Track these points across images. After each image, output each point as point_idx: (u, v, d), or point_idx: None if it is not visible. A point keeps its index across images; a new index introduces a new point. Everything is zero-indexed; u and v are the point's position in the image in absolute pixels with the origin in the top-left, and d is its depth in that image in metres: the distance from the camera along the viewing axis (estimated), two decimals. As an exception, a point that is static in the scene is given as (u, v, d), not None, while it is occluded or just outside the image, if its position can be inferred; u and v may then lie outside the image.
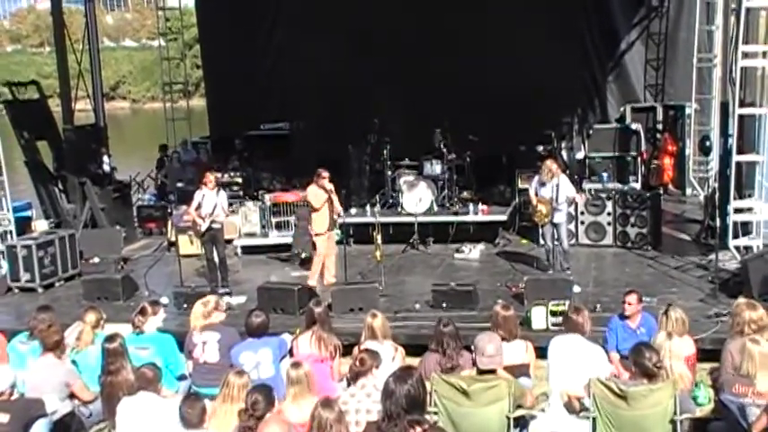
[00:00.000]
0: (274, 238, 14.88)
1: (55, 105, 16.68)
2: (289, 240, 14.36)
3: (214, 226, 12.15)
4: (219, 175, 16.10)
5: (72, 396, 7.62)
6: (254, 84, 19.40)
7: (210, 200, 12.10)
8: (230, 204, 14.04)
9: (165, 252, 15.15)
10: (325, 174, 12.06)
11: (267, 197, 15.25)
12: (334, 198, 12.17)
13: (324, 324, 7.85)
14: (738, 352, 6.85)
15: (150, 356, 7.74)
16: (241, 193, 16.95)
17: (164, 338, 8.27)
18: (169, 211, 16.36)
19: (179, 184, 17.91)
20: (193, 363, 8.11)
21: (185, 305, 11.13)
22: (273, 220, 15.00)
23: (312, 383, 6.48)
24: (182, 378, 8.20)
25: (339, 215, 12.48)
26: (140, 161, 23.38)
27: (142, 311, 8.30)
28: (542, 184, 12.18)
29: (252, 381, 6.61)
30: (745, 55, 11.95)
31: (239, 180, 17.31)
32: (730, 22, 12.76)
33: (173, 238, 14.74)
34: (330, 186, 12.06)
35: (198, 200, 12.15)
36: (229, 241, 14.20)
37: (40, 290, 12.98)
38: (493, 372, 6.67)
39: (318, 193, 12.07)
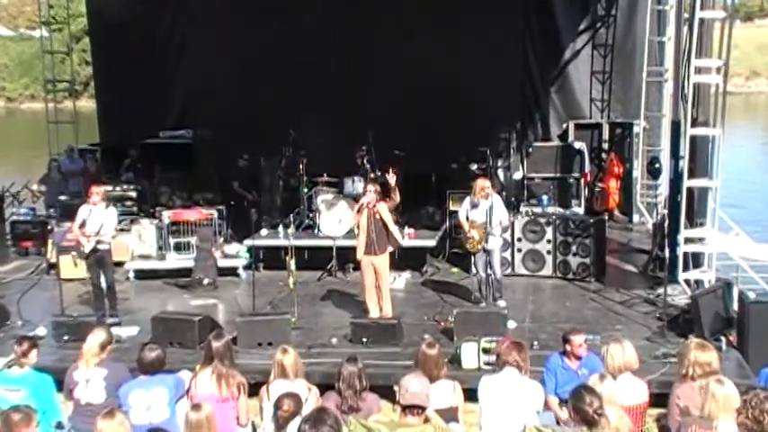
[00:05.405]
0: (172, 261, 14.74)
1: None
2: (189, 264, 14.27)
3: (101, 247, 11.95)
4: (109, 188, 15.88)
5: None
6: (152, 85, 19.20)
7: (97, 217, 11.92)
8: (121, 222, 13.86)
9: (43, 275, 14.84)
10: (370, 187, 11.75)
11: (165, 214, 15.09)
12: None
13: (223, 359, 7.73)
14: (689, 397, 6.96)
15: (22, 400, 7.51)
16: (135, 209, 16.76)
17: (40, 378, 8.00)
18: (49, 228, 16.03)
19: (62, 198, 17.56)
20: (74, 404, 7.92)
21: (66, 337, 10.95)
22: (172, 241, 14.85)
23: (213, 429, 6.42)
24: (58, 427, 7.97)
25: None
26: (16, 169, 22.89)
27: (21, 343, 8.06)
28: (474, 205, 12.23)
29: (142, 425, 6.51)
30: (699, 70, 12.22)
31: (133, 194, 17.10)
32: (683, 34, 12.92)
33: (53, 260, 14.47)
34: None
35: (83, 216, 11.96)
36: (120, 264, 14.01)
37: None
38: (420, 410, 6.58)
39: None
